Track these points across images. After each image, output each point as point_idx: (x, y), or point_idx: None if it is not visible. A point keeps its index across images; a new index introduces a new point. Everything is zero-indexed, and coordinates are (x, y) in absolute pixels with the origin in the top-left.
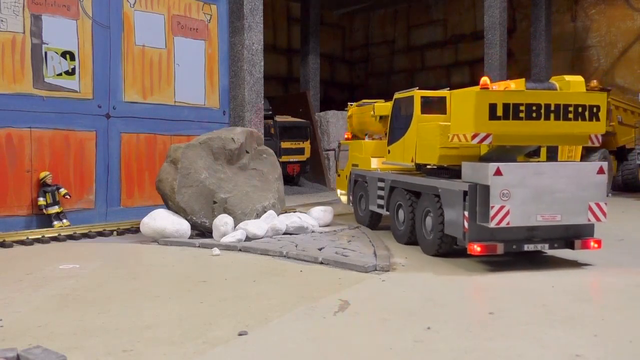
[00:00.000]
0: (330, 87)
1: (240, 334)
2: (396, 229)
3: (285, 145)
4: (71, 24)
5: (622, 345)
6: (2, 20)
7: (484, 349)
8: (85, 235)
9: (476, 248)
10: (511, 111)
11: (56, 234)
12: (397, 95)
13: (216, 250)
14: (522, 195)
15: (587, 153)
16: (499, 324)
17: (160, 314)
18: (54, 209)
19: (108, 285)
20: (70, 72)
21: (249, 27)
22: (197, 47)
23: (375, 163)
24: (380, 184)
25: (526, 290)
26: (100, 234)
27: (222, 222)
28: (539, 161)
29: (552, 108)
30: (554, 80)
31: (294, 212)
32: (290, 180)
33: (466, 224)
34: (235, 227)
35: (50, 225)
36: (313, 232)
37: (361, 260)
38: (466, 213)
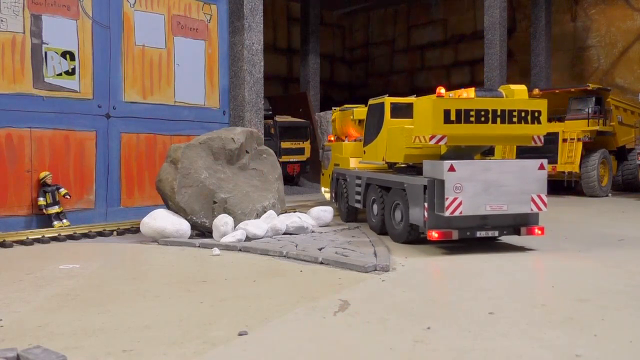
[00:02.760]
0: (330, 87)
1: (240, 334)
2: (371, 221)
3: (285, 145)
4: (71, 24)
5: (622, 345)
6: (2, 20)
7: (484, 349)
8: (85, 235)
9: (434, 234)
10: (463, 116)
11: (56, 234)
12: (370, 101)
13: (216, 250)
14: (473, 188)
15: (587, 153)
16: (499, 324)
17: (160, 314)
18: (54, 209)
19: (108, 285)
20: (70, 72)
21: (249, 27)
22: (197, 47)
23: (353, 162)
24: (358, 182)
25: (526, 290)
26: (100, 234)
27: (222, 222)
28: (491, 159)
29: (499, 113)
30: (502, 89)
31: (294, 212)
32: (290, 180)
33: (426, 214)
34: (235, 227)
35: (50, 225)
36: (313, 232)
37: (361, 260)
38: (426, 204)
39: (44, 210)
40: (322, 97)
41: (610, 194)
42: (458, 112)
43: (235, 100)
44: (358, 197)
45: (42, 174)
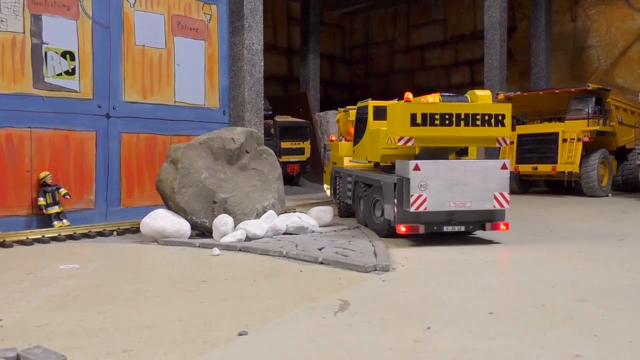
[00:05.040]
0: (330, 87)
1: (240, 334)
2: (359, 216)
3: (285, 145)
4: (71, 24)
5: (622, 345)
6: (2, 20)
7: (484, 349)
8: (85, 235)
9: (402, 228)
10: (428, 119)
11: (56, 234)
12: (359, 104)
13: (216, 250)
14: (437, 186)
15: (587, 153)
16: (499, 324)
17: (160, 314)
18: (54, 209)
19: (108, 285)
20: (70, 72)
21: (249, 27)
22: (197, 47)
23: (346, 161)
24: (349, 179)
25: (526, 289)
26: (100, 234)
27: (222, 222)
28: (465, 159)
29: (462, 116)
30: (468, 94)
31: (294, 212)
32: (290, 180)
33: (395, 209)
34: (235, 227)
35: (50, 225)
36: (313, 232)
37: (361, 260)
38: (396, 200)
39: (44, 210)
40: (322, 97)
41: (610, 194)
42: (424, 115)
43: (235, 100)
44: (349, 194)
45: (42, 174)
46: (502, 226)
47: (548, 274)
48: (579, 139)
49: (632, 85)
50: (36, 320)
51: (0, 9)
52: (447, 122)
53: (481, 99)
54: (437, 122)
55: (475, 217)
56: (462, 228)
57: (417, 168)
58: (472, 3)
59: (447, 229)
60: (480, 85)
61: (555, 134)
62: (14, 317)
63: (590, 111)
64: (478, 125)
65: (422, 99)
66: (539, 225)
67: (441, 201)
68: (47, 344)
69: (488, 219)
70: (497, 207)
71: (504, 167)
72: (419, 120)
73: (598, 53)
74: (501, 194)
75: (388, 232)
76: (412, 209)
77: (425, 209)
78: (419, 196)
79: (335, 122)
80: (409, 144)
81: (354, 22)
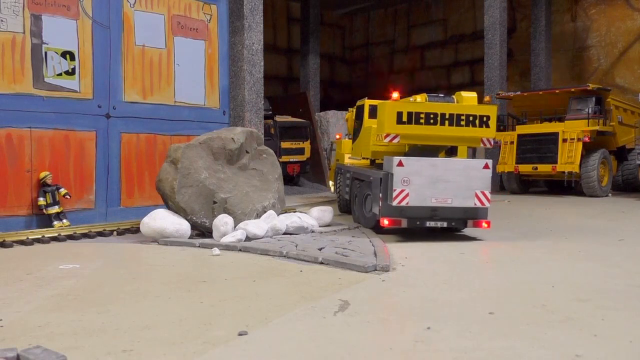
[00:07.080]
0: (330, 87)
1: (240, 334)
2: (354, 211)
3: (285, 145)
4: (71, 24)
5: (622, 345)
6: (2, 20)
7: (484, 349)
8: (85, 235)
9: (385, 222)
10: (414, 118)
11: (56, 234)
12: (358, 102)
13: (216, 250)
14: (420, 182)
15: (587, 153)
16: (499, 324)
17: (160, 314)
18: (54, 209)
19: (108, 285)
20: (70, 72)
21: (249, 27)
22: (197, 47)
23: (346, 158)
24: (347, 175)
25: (526, 289)
26: (100, 234)
27: (222, 222)
28: (452, 157)
29: (447, 116)
30: (455, 96)
31: (294, 212)
32: (290, 180)
33: (380, 203)
34: (235, 227)
35: (50, 225)
36: (313, 232)
37: (361, 260)
38: (381, 195)
39: (44, 210)
40: (322, 97)
41: (610, 194)
42: (409, 114)
43: (235, 100)
44: (347, 189)
45: (42, 174)
46: (484, 224)
47: (548, 273)
48: (579, 139)
49: (632, 85)
50: (36, 320)
51: (0, 9)
52: (432, 121)
53: (466, 100)
54: (422, 120)
55: (458, 214)
56: (445, 224)
57: (400, 164)
58: (472, 3)
59: (430, 224)
60: (481, 85)
61: (555, 134)
62: (14, 317)
63: (590, 111)
64: (462, 126)
65: (411, 99)
66: (539, 224)
67: (423, 197)
68: (47, 344)
69: (471, 216)
70: (478, 205)
71: (486, 166)
72: (404, 119)
73: (598, 53)
74: (482, 193)
75: (375, 226)
76: (395, 203)
77: (408, 203)
78: (402, 191)
79: (335, 121)
80: (395, 141)
81: (354, 22)
